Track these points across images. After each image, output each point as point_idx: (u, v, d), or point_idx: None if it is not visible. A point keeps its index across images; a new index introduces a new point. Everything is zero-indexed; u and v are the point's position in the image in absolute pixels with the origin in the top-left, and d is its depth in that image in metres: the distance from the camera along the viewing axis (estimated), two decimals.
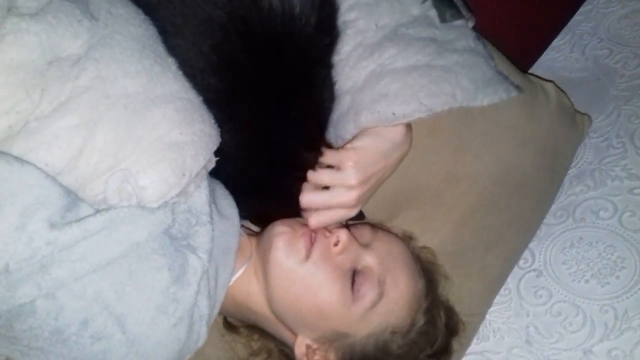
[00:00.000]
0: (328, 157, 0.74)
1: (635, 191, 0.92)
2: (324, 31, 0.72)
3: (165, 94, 0.62)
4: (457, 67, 0.75)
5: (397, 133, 0.74)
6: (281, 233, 0.73)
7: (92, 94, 0.59)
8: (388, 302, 0.72)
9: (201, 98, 0.67)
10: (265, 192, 0.76)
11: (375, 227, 0.81)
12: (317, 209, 0.74)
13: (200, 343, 0.68)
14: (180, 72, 0.65)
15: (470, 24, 0.81)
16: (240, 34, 0.66)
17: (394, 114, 0.71)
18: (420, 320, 0.74)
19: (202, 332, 0.67)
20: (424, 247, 0.84)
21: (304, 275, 0.72)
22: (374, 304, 0.71)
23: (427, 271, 0.79)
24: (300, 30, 0.68)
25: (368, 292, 0.71)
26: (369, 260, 0.73)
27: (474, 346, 0.89)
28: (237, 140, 0.71)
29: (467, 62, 0.76)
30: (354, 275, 0.72)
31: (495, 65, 0.80)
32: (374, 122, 0.72)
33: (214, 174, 0.71)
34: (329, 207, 0.73)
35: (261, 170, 0.74)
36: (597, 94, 1.07)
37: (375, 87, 0.73)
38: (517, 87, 0.79)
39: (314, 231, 0.74)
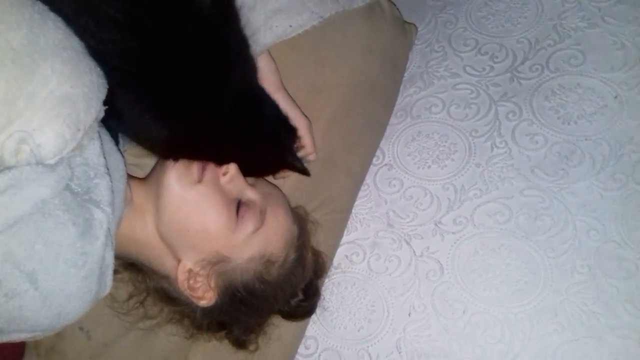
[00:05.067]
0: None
1: (458, 87, 1.08)
2: None
3: (49, 44, 0.59)
4: None
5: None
6: None
7: None
8: (268, 230, 0.79)
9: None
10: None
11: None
12: None
13: (107, 291, 0.71)
14: (59, 19, 0.61)
15: None
16: None
17: (290, 26, 0.75)
18: (292, 255, 0.83)
19: (108, 282, 0.70)
20: (298, 206, 0.92)
21: (194, 195, 0.76)
22: (256, 229, 0.78)
23: (299, 219, 0.88)
24: None
25: (251, 219, 0.78)
26: (252, 194, 0.80)
27: (346, 237, 1.00)
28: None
29: None
30: (239, 205, 0.78)
31: None
32: (273, 39, 0.75)
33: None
34: None
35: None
36: (416, 5, 1.21)
37: (267, 4, 0.75)
38: None
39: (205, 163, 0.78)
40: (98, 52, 0.64)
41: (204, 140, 0.74)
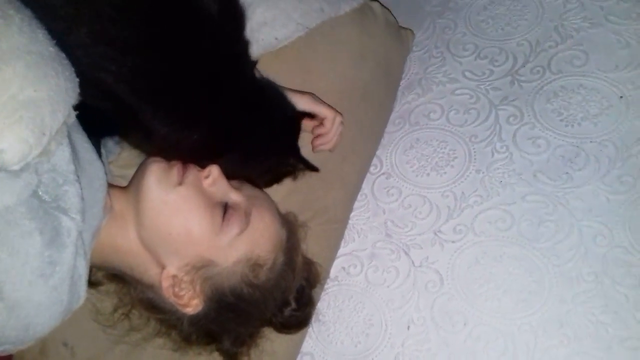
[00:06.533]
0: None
1: (457, 92, 1.05)
2: None
3: (11, 48, 0.58)
4: None
5: None
6: (156, 161, 0.75)
7: None
8: (254, 232, 0.77)
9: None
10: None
11: (243, 181, 0.85)
12: None
13: (81, 302, 0.68)
14: (26, 24, 0.60)
15: None
16: None
17: (276, 38, 0.75)
18: (281, 258, 0.79)
19: (82, 292, 0.67)
20: (288, 212, 0.89)
21: (175, 198, 0.74)
22: (241, 231, 0.75)
23: (288, 223, 0.85)
24: None
25: (236, 221, 0.75)
26: (236, 197, 0.78)
27: (343, 249, 0.97)
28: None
29: None
30: (224, 208, 0.76)
31: None
32: (259, 50, 0.75)
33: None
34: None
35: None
36: (414, 11, 1.19)
37: (253, 17, 0.75)
38: None
39: (186, 164, 0.77)
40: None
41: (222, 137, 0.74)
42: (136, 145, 0.82)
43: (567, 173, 0.91)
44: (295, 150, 0.86)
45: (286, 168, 0.87)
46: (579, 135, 0.94)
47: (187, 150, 0.76)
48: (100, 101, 0.70)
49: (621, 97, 0.95)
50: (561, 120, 0.96)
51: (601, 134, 0.93)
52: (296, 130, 0.86)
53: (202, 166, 0.79)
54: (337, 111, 0.89)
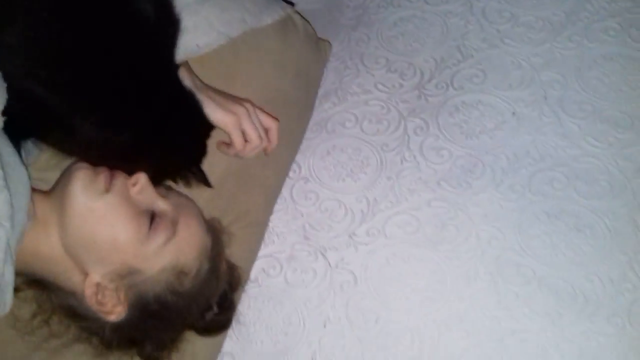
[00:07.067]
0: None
1: (370, 103, 1.12)
2: None
3: None
4: None
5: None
6: (82, 168, 0.75)
7: None
8: (180, 240, 0.78)
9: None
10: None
11: (170, 188, 0.87)
12: None
13: (7, 310, 0.68)
14: None
15: None
16: None
17: (197, 45, 0.76)
18: (206, 266, 0.81)
19: (8, 300, 0.67)
20: (213, 218, 0.90)
21: (101, 206, 0.74)
22: (168, 240, 0.76)
23: (213, 230, 0.87)
24: None
25: (162, 230, 0.76)
26: (163, 205, 0.79)
27: (263, 250, 1.00)
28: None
29: None
30: (150, 216, 0.76)
31: None
32: (181, 56, 0.75)
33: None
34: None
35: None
36: (330, 24, 1.25)
37: None
38: (286, 6, 0.91)
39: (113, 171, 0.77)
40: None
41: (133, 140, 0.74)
42: (56, 146, 0.80)
43: (466, 182, 1.01)
44: (199, 160, 0.87)
45: (185, 173, 0.88)
46: (477, 147, 1.04)
47: (110, 152, 0.76)
48: (22, 105, 0.69)
49: (513, 113, 1.06)
50: (462, 133, 1.06)
51: (496, 146, 1.04)
52: (202, 139, 0.87)
53: (127, 172, 0.79)
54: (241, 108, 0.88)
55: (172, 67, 0.78)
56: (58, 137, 0.75)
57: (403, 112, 1.10)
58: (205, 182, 0.88)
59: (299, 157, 1.08)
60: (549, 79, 1.10)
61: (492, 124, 1.06)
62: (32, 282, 0.79)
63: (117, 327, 0.78)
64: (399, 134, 1.08)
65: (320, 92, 1.15)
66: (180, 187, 0.89)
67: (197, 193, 0.91)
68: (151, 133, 0.75)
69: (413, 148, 1.06)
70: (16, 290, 0.78)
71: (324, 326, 0.91)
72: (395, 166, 1.05)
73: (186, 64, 0.86)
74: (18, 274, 0.76)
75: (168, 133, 0.76)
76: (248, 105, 0.89)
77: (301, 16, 1.09)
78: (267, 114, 0.92)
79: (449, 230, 0.96)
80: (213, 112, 0.84)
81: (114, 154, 0.75)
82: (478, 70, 1.13)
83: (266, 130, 0.91)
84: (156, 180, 0.82)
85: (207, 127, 0.85)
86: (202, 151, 0.85)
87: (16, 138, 0.76)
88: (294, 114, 1.05)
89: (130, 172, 0.79)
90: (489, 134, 1.05)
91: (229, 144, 0.89)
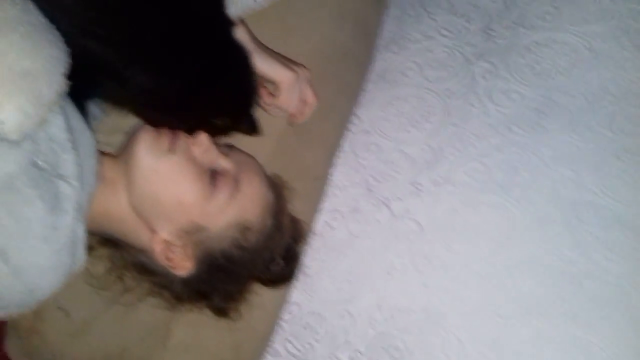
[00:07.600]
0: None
1: (433, 49, 1.07)
2: None
3: (5, 19, 0.58)
4: None
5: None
6: (146, 130, 0.77)
7: None
8: (243, 197, 0.79)
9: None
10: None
11: (232, 146, 0.87)
12: None
13: (80, 265, 0.71)
14: None
15: None
16: None
17: (255, 0, 0.75)
18: (269, 221, 0.82)
19: (81, 255, 0.70)
20: (274, 174, 0.90)
21: (166, 165, 0.76)
22: (231, 197, 0.77)
23: (275, 186, 0.87)
24: None
25: (225, 187, 0.77)
26: (226, 164, 0.80)
27: (325, 204, 1.00)
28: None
29: None
30: (214, 174, 0.78)
31: None
32: (238, 12, 0.76)
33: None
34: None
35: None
36: None
37: None
38: None
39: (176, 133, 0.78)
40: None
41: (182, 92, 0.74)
42: (113, 100, 0.82)
43: (540, 124, 0.94)
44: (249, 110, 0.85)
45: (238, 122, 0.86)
46: (551, 88, 0.97)
47: (164, 101, 0.77)
48: (78, 63, 0.71)
49: (590, 50, 0.98)
50: (534, 74, 0.99)
51: (572, 86, 0.96)
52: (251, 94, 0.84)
53: (184, 127, 0.80)
54: (296, 69, 0.87)
55: (224, 19, 0.78)
56: (114, 90, 0.77)
57: (469, 56, 1.05)
58: (256, 130, 0.86)
59: (359, 110, 1.06)
60: (630, 10, 1.00)
61: (567, 62, 0.98)
62: (104, 241, 0.83)
63: (187, 281, 0.80)
64: (466, 79, 1.03)
65: (380, 41, 1.11)
66: (241, 145, 0.89)
67: (258, 150, 0.91)
68: (203, 81, 0.75)
69: (481, 93, 1.00)
70: (90, 249, 0.82)
71: (388, 273, 0.89)
72: (462, 113, 1.00)
73: (244, 24, 0.85)
74: (91, 233, 0.80)
75: (219, 80, 0.76)
76: (307, 70, 0.88)
77: None
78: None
79: (520, 175, 0.91)
80: (272, 66, 0.84)
81: (168, 104, 0.76)
82: (551, 7, 1.04)
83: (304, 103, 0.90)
84: (212, 133, 0.82)
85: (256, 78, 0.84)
86: (252, 98, 0.84)
87: (81, 103, 0.79)
88: (354, 66, 1.02)
89: (186, 127, 0.80)
90: (565, 74, 0.98)
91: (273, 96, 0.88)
